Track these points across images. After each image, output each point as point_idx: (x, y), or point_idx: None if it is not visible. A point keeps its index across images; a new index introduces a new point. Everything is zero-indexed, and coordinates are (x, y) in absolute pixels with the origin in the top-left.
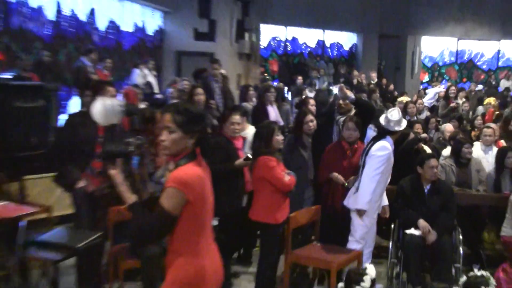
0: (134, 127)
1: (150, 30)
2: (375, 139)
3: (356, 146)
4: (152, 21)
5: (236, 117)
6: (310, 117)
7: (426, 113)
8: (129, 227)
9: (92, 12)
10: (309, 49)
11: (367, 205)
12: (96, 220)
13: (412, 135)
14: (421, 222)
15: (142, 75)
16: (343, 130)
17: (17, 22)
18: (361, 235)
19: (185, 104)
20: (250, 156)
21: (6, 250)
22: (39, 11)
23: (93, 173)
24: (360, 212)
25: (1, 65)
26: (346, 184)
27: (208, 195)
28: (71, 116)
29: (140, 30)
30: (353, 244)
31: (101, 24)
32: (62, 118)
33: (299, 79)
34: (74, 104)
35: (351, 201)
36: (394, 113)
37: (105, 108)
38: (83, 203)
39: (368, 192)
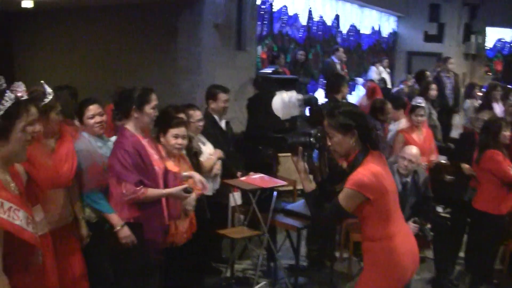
0: (315, 119)
1: (385, 32)
2: None
3: None
4: (387, 24)
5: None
6: None
7: None
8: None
9: (336, 18)
10: None
11: None
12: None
13: None
14: None
15: (378, 72)
16: None
17: (278, 27)
18: None
19: (336, 106)
20: None
21: (263, 214)
22: (295, 17)
23: None
24: None
25: (263, 62)
26: None
27: (388, 184)
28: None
29: (376, 33)
30: None
31: (344, 27)
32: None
33: None
34: (319, 95)
35: None
36: None
37: (283, 101)
38: None
39: None
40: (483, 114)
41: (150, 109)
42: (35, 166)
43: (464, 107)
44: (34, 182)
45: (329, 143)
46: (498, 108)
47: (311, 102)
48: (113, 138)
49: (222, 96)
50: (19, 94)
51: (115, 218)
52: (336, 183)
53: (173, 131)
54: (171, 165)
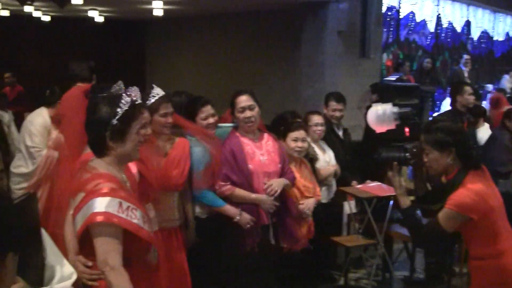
0: (413, 135)
1: None
2: None
3: None
4: None
5: None
6: None
7: None
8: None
9: (467, 24)
10: None
11: None
12: None
13: None
14: None
15: (511, 81)
16: None
17: (405, 34)
18: None
19: (434, 121)
20: None
21: (378, 223)
22: (423, 24)
23: None
24: None
25: (388, 69)
26: None
27: (493, 201)
28: (442, 114)
29: (511, 39)
30: None
31: (475, 34)
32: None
33: None
34: (447, 104)
35: None
36: None
37: (376, 114)
38: None
39: None
40: None
41: (237, 113)
42: (147, 167)
43: None
44: (146, 181)
45: (425, 160)
46: None
47: (408, 116)
48: None
49: (333, 104)
50: (133, 98)
51: (230, 209)
52: (436, 201)
53: (292, 135)
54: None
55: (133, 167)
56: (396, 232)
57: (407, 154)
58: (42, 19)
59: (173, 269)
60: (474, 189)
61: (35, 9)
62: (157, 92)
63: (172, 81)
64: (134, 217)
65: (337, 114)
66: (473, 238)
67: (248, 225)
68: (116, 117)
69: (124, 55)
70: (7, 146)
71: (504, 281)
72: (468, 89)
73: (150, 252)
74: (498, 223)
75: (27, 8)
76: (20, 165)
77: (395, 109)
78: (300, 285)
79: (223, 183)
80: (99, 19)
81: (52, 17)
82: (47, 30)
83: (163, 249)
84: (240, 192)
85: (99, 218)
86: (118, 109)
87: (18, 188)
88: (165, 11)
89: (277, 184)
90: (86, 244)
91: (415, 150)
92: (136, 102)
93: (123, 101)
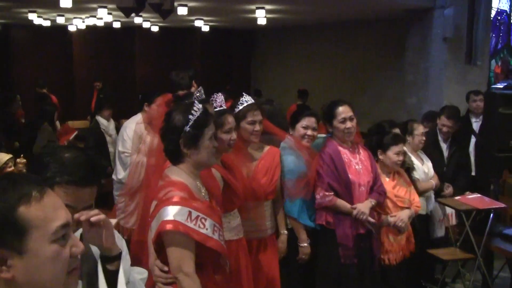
0: None
1: None
2: None
3: None
4: None
5: None
6: None
7: None
8: None
9: None
10: None
11: None
12: None
13: None
14: None
15: None
16: None
17: None
18: None
19: None
20: None
21: (476, 237)
22: None
23: None
24: None
25: (497, 77)
26: None
27: None
28: None
29: None
30: None
31: None
32: None
33: None
34: None
35: None
36: None
37: None
38: None
39: None
40: None
41: (338, 123)
42: (233, 174)
43: None
44: (231, 189)
45: None
46: None
47: None
48: None
49: (443, 119)
50: (218, 104)
51: (303, 235)
52: None
53: (395, 148)
54: (385, 181)
55: (217, 173)
56: (497, 247)
57: None
58: (152, 29)
59: (261, 279)
60: None
61: (144, 20)
62: (246, 99)
63: (275, 89)
64: (203, 226)
65: (445, 129)
66: None
67: (302, 258)
68: (189, 124)
69: (231, 63)
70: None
71: None
72: None
73: (222, 258)
74: None
75: (137, 20)
76: (116, 171)
77: None
78: None
79: (327, 193)
80: (205, 28)
81: (160, 27)
82: (157, 41)
83: (247, 255)
84: (341, 202)
85: (169, 227)
86: (190, 116)
87: (116, 194)
88: (269, 20)
89: (364, 207)
90: (162, 250)
91: None
92: (220, 109)
93: (195, 108)
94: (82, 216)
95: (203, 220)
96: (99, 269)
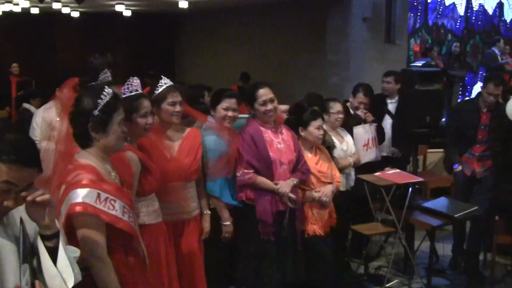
0: None
1: None
2: None
3: None
4: None
5: None
6: None
7: None
8: None
9: (499, 6)
10: None
11: None
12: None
13: None
14: None
15: None
16: None
17: (433, 18)
18: None
19: None
20: None
21: (397, 211)
22: (452, 8)
23: (473, 157)
24: None
25: (416, 55)
26: None
27: None
28: (459, 103)
29: None
30: None
31: (508, 16)
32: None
33: None
34: (478, 88)
35: None
36: None
37: None
38: (461, 183)
39: None
40: None
41: (259, 105)
42: (152, 157)
43: None
44: (149, 172)
45: None
46: None
47: None
48: None
49: (360, 96)
50: (134, 88)
51: (225, 213)
52: None
53: (315, 123)
54: (308, 157)
55: (134, 156)
56: (417, 220)
57: None
58: (72, 15)
59: (185, 260)
60: None
61: (63, 5)
62: (165, 82)
63: (201, 73)
64: (112, 208)
65: (362, 106)
66: None
67: (225, 237)
68: (98, 108)
69: (155, 48)
70: None
71: None
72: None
73: (134, 240)
74: None
75: (56, 5)
76: None
77: None
78: (320, 271)
79: (246, 171)
80: (127, 13)
81: (81, 13)
82: (78, 26)
83: (168, 238)
84: (261, 180)
85: (78, 208)
86: (99, 100)
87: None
88: (191, 3)
89: (286, 185)
90: (72, 234)
91: None
92: (136, 93)
93: (104, 92)
94: (29, 196)
95: (112, 202)
96: (41, 246)
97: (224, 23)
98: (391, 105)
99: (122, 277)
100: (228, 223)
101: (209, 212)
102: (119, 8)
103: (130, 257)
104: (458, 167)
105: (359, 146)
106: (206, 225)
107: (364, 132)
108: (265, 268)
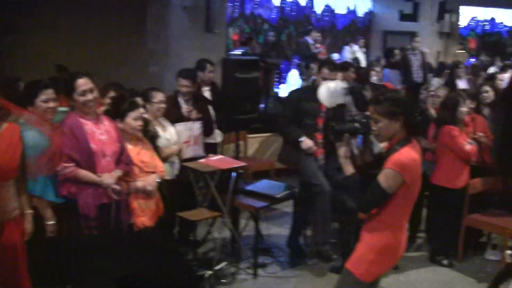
0: (359, 106)
1: (361, 12)
2: None
3: None
4: (363, 4)
5: None
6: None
7: None
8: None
9: None
10: (507, 29)
11: None
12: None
13: None
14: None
15: (351, 52)
16: None
17: (250, 8)
18: None
19: (382, 93)
20: None
21: (222, 196)
22: None
23: (316, 144)
24: None
25: (235, 44)
26: None
27: (419, 178)
28: (294, 91)
29: (352, 13)
30: None
31: (318, 8)
32: (282, 88)
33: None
34: (292, 76)
35: None
36: None
37: (329, 90)
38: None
39: None
40: (437, 91)
41: (78, 96)
42: None
43: (431, 84)
44: None
45: (374, 128)
46: (462, 85)
47: (354, 90)
48: None
49: (179, 80)
50: None
51: (48, 213)
52: (378, 167)
53: (133, 114)
54: (129, 148)
55: None
56: (241, 203)
57: (357, 125)
58: None
59: (8, 263)
60: (412, 154)
61: None
62: None
63: (28, 64)
64: None
65: (184, 90)
66: (392, 205)
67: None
68: None
69: None
70: None
71: (394, 252)
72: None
73: None
74: (414, 198)
75: None
76: None
77: (345, 85)
78: (151, 262)
79: (66, 164)
80: None
81: None
82: None
83: None
84: (83, 173)
85: None
86: None
87: None
88: None
89: (109, 178)
90: None
91: (364, 120)
92: None
93: None
94: None
95: None
96: None
97: (43, 11)
98: (207, 93)
99: None
100: (52, 222)
101: (31, 212)
102: None
103: None
104: (303, 140)
105: (180, 142)
106: (28, 226)
107: (185, 129)
108: (94, 264)
